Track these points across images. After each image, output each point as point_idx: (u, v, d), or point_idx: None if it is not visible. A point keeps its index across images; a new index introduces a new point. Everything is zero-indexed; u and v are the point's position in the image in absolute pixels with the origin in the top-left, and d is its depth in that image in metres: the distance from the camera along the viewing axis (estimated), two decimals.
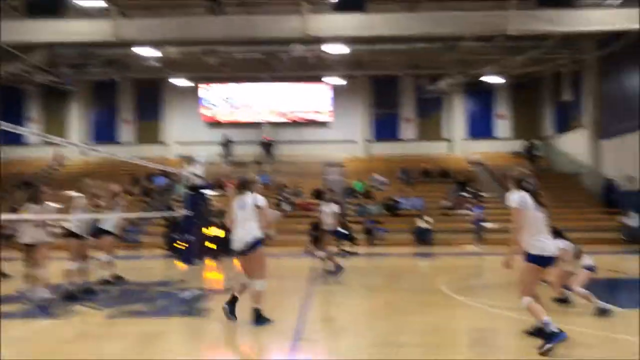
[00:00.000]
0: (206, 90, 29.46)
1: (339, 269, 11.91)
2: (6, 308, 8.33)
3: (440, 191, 24.57)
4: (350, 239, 17.81)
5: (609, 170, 23.43)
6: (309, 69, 26.63)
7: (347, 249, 17.31)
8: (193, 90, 29.16)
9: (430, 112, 29.70)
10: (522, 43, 21.28)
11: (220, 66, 25.51)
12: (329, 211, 12.27)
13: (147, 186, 24.70)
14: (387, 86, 29.65)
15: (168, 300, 9.16)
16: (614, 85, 23.14)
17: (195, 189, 14.54)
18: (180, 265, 13.84)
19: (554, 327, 5.18)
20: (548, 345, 5.15)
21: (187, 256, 14.22)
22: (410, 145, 29.24)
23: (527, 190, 5.43)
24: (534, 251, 5.34)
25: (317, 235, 17.99)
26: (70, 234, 9.03)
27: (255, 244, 6.81)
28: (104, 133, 30.17)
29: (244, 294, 7.04)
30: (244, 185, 7.02)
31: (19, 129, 7.42)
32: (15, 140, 28.96)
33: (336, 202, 13.27)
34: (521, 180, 5.49)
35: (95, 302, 8.57)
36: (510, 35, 18.83)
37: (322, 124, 29.66)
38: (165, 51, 21.44)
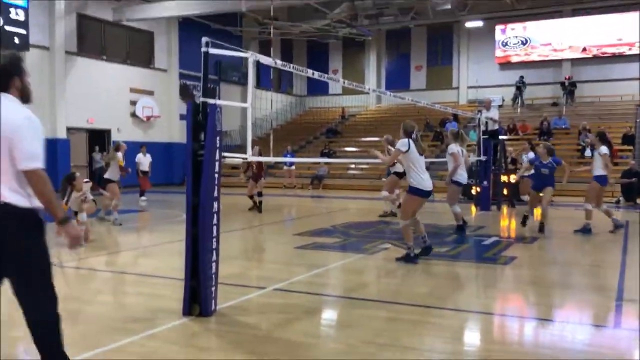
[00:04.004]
0: (501, 31, 28.17)
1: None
2: (323, 240, 9.43)
3: None
4: None
5: None
6: None
7: None
8: (487, 32, 28.18)
9: None
10: None
11: (517, 3, 24.00)
12: None
13: (439, 131, 25.00)
14: None
15: (468, 245, 9.22)
16: None
17: (490, 134, 14.21)
18: (474, 211, 13.82)
19: None
20: None
21: (482, 202, 14.11)
22: None
23: None
24: None
25: (630, 185, 16.13)
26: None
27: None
28: (396, 80, 31.39)
29: None
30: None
31: (331, 78, 8.07)
32: (321, 90, 32.17)
33: None
34: None
35: (401, 241, 9.06)
36: None
37: (634, 58, 25.86)
38: None
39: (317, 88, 32.22)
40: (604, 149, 9.87)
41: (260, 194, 14.03)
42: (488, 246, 8.91)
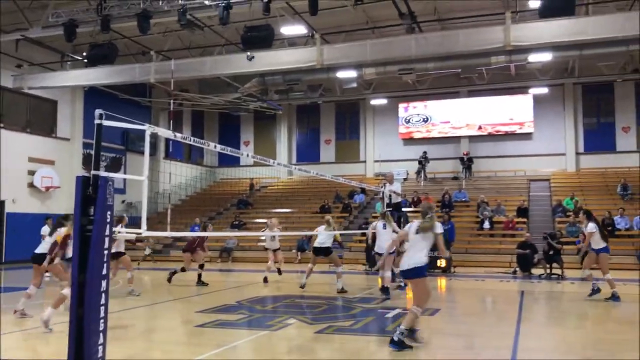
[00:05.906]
0: (404, 109, 29.72)
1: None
2: (227, 317, 9.12)
3: None
4: (559, 261, 16.44)
5: None
6: (509, 80, 25.48)
7: (557, 272, 16.03)
8: (391, 109, 29.65)
9: None
10: None
11: (417, 84, 25.57)
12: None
13: (347, 203, 25.54)
14: (600, 93, 27.11)
15: (372, 318, 9.24)
16: None
17: (394, 206, 14.65)
18: (380, 282, 13.96)
19: None
20: None
21: None
22: (631, 158, 26.15)
23: None
24: None
25: (525, 256, 16.99)
26: None
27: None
28: (306, 152, 32.07)
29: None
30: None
31: (236, 152, 8.07)
32: (233, 161, 32.17)
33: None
34: None
35: (306, 316, 8.95)
36: None
37: (525, 137, 28.05)
38: (364, 73, 22.08)
39: (229, 159, 32.19)
40: (591, 226, 10.79)
41: (202, 267, 14.33)
42: (391, 319, 8.97)
